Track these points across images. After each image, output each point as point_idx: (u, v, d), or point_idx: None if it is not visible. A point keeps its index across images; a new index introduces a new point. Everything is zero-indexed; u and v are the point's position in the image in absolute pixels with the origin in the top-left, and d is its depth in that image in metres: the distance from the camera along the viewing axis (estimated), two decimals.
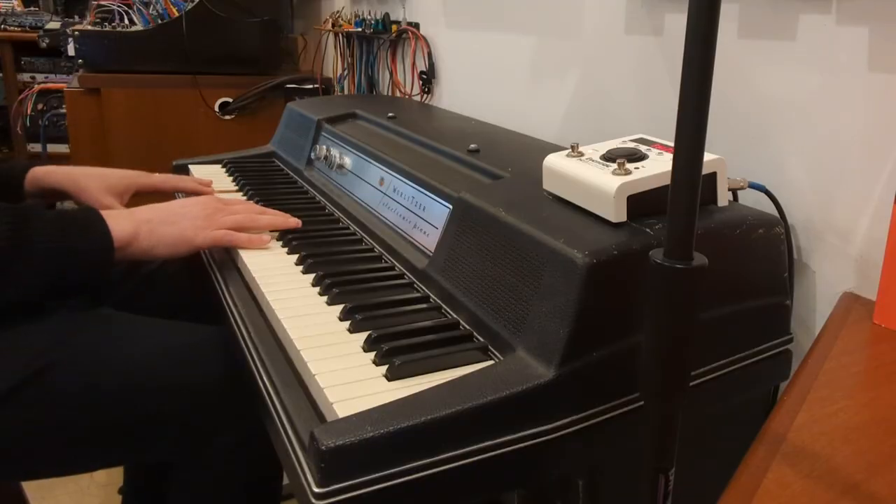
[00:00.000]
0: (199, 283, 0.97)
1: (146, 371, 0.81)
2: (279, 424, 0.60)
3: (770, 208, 0.82)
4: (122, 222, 0.82)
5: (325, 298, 0.77)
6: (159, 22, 1.89)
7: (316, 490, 0.51)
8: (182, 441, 0.83)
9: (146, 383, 0.80)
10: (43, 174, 1.02)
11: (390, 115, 1.22)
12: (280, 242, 0.94)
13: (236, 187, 1.19)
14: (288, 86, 1.96)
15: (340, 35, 2.02)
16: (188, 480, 0.88)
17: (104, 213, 0.82)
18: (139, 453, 0.87)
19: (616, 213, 0.66)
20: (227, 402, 0.82)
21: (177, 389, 0.81)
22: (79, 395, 0.78)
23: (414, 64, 1.70)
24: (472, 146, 0.96)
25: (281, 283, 0.81)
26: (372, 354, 0.65)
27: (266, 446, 0.66)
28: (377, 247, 0.91)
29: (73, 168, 1.05)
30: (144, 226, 0.84)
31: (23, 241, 0.74)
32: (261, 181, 1.21)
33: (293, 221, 0.95)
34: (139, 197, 1.09)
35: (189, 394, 0.82)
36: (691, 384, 0.66)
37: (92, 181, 1.03)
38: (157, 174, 1.13)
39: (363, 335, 0.68)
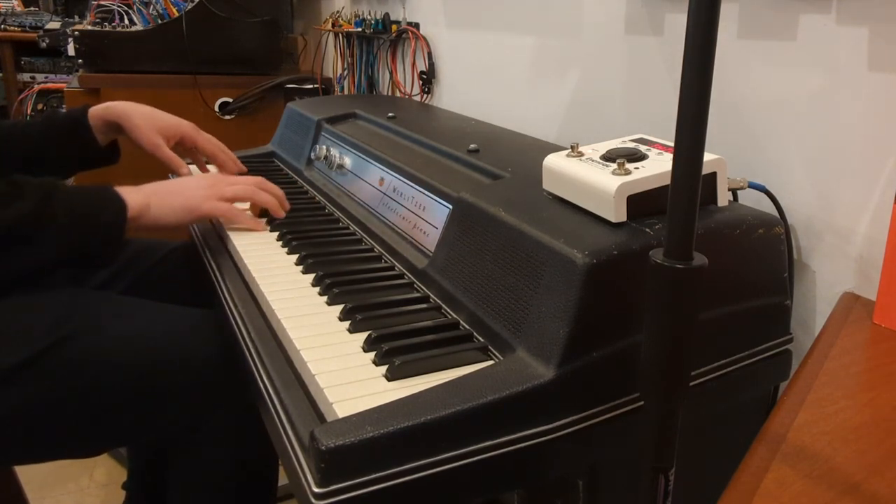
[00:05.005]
0: (200, 277, 0.98)
1: (151, 347, 0.83)
2: (279, 424, 0.60)
3: (770, 208, 0.82)
4: (133, 195, 0.88)
5: (325, 298, 0.77)
6: (159, 22, 1.89)
7: (316, 490, 0.51)
8: (182, 418, 0.85)
9: (149, 359, 0.83)
10: (102, 111, 1.10)
11: (390, 115, 1.22)
12: (280, 242, 0.94)
13: None
14: (288, 86, 1.95)
15: (340, 35, 2.02)
16: (185, 460, 0.89)
17: (118, 188, 0.88)
18: (140, 431, 0.89)
19: (616, 213, 0.66)
20: (226, 382, 0.84)
21: (179, 367, 0.83)
22: (87, 369, 0.79)
23: (414, 64, 1.70)
24: (472, 146, 0.96)
25: (281, 282, 0.81)
26: (372, 354, 0.65)
27: (263, 428, 0.67)
28: (377, 247, 0.91)
29: (129, 105, 1.12)
30: (154, 197, 0.90)
31: (47, 216, 0.81)
32: None
33: (286, 206, 1.02)
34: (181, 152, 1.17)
35: (190, 372, 0.84)
36: (691, 384, 0.66)
37: (144, 121, 1.10)
38: (204, 133, 1.18)
39: (363, 335, 0.68)
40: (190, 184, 0.95)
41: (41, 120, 1.11)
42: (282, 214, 1.00)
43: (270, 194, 1.00)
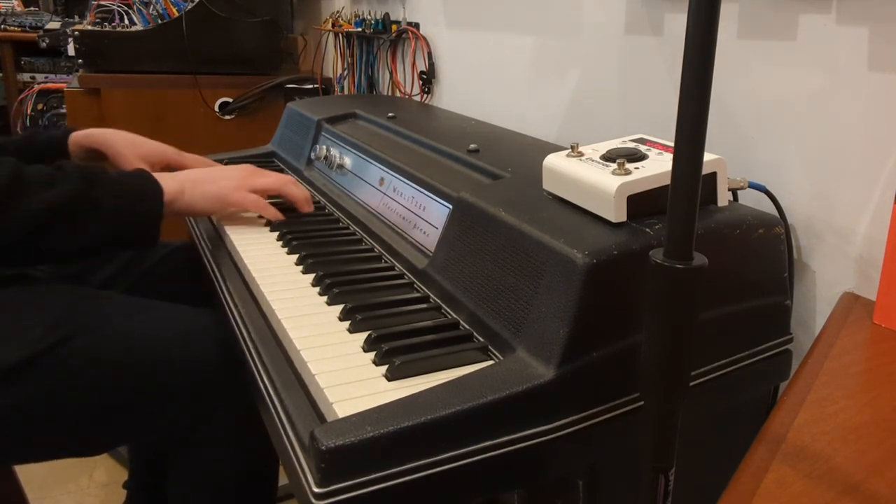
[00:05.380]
0: (200, 277, 0.98)
1: (152, 347, 0.84)
2: (279, 424, 0.60)
3: (770, 208, 0.82)
4: (169, 181, 0.91)
5: (325, 298, 0.77)
6: (159, 22, 1.89)
7: (316, 490, 0.51)
8: (182, 418, 0.86)
9: (151, 359, 0.83)
10: (83, 138, 1.10)
11: (390, 115, 1.22)
12: (280, 242, 0.94)
13: None
14: (288, 86, 1.95)
15: (340, 35, 2.02)
16: (186, 459, 0.89)
17: (155, 174, 0.91)
18: (140, 431, 0.90)
19: (616, 213, 0.66)
20: (227, 383, 0.84)
21: (180, 367, 0.84)
22: (88, 368, 0.80)
23: (414, 64, 1.70)
24: (472, 146, 0.96)
25: (281, 283, 0.81)
26: (372, 354, 0.65)
27: (263, 428, 0.68)
28: (377, 247, 0.91)
29: (111, 132, 1.12)
30: (188, 184, 0.93)
31: (90, 200, 0.84)
32: None
33: (310, 207, 1.04)
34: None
35: (191, 372, 0.84)
36: (691, 384, 0.66)
37: (128, 148, 1.11)
38: (189, 154, 1.18)
39: (363, 335, 0.68)
40: (222, 174, 0.98)
41: (20, 138, 1.11)
42: (310, 208, 1.03)
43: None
